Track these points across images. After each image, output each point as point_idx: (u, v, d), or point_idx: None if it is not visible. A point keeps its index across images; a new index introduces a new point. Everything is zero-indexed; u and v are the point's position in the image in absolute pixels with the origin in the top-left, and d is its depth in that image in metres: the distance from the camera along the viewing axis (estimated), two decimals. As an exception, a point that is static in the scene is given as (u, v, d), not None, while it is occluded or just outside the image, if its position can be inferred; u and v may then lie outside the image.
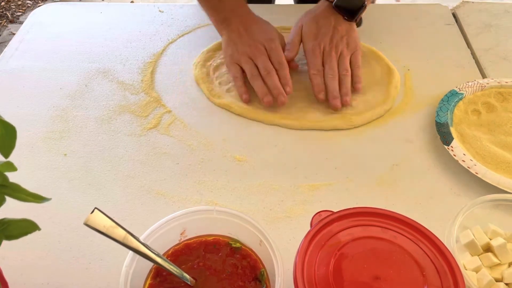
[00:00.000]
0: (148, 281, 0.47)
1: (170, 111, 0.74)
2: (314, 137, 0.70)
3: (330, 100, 0.72)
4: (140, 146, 0.69)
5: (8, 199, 0.38)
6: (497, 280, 0.49)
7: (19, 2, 2.78)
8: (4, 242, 0.39)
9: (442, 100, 0.72)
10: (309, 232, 0.44)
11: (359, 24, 0.82)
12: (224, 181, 0.64)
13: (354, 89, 0.74)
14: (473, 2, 0.97)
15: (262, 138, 0.70)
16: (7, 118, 0.36)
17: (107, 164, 0.66)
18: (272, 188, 0.63)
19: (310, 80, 0.74)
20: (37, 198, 0.38)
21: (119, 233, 0.40)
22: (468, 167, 0.62)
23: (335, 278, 0.41)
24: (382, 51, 0.84)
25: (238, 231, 0.50)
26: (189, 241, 0.50)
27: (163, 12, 0.95)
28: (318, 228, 0.45)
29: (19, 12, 2.72)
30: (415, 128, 0.71)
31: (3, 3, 2.74)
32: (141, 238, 0.45)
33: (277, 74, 0.73)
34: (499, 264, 0.51)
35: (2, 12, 2.69)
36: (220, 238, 0.50)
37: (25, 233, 0.39)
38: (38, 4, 2.73)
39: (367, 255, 0.43)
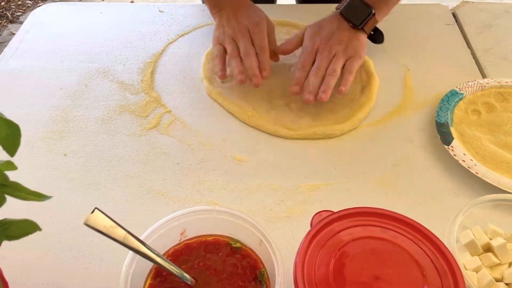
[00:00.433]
0: (148, 281, 0.47)
1: (170, 111, 0.74)
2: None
3: (304, 93, 0.70)
4: (140, 146, 0.69)
5: (9, 200, 0.38)
6: (497, 280, 0.49)
7: (19, 2, 2.78)
8: (4, 242, 0.39)
9: (442, 100, 0.72)
10: (309, 232, 0.44)
11: (377, 39, 0.79)
12: (224, 181, 0.64)
13: (337, 91, 0.71)
14: (473, 2, 0.97)
15: (262, 138, 0.70)
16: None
17: (107, 164, 0.66)
18: (272, 188, 0.63)
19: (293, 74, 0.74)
20: (38, 196, 0.38)
21: (119, 233, 0.40)
22: (468, 167, 0.62)
23: (335, 278, 0.41)
24: (382, 51, 0.84)
25: (238, 231, 0.50)
26: (189, 241, 0.50)
27: (163, 12, 0.95)
28: (318, 228, 0.45)
29: (19, 12, 2.72)
30: (415, 128, 0.71)
31: (3, 3, 2.74)
32: (141, 238, 0.45)
33: (258, 57, 0.73)
34: (499, 264, 0.51)
35: (2, 12, 2.69)
36: (220, 238, 0.50)
37: (26, 234, 0.39)
38: (38, 4, 2.73)
39: (367, 255, 0.43)
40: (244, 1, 0.81)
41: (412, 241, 0.44)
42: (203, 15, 0.93)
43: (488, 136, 0.67)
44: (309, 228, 0.45)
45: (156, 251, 0.44)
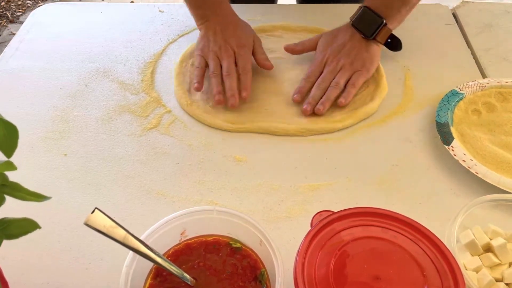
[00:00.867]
0: (148, 281, 0.47)
1: (170, 111, 0.74)
2: (313, 137, 0.70)
3: (304, 104, 0.72)
4: (140, 146, 0.69)
5: (8, 200, 0.38)
6: (497, 280, 0.49)
7: (19, 2, 2.78)
8: (4, 242, 0.39)
9: (443, 100, 0.72)
10: (309, 232, 0.44)
11: (395, 47, 0.80)
12: (224, 181, 0.64)
13: (337, 103, 0.72)
14: (473, 2, 0.97)
15: (262, 138, 0.70)
16: (7, 118, 0.36)
17: (107, 164, 0.66)
18: (272, 188, 0.63)
19: None
20: (37, 197, 0.38)
21: (119, 233, 0.40)
22: (469, 167, 0.62)
23: (335, 278, 0.41)
24: (382, 51, 0.83)
25: (238, 231, 0.50)
26: (189, 241, 0.50)
27: (163, 12, 0.95)
28: (318, 228, 0.44)
29: (19, 12, 2.72)
30: (415, 128, 0.71)
31: (3, 3, 2.74)
32: (141, 238, 0.45)
33: (239, 78, 0.74)
34: (499, 264, 0.51)
35: (2, 12, 2.69)
36: (220, 238, 0.50)
37: (26, 232, 0.39)
38: (38, 4, 2.73)
39: (367, 255, 0.43)
40: (231, 16, 0.81)
41: (412, 241, 0.44)
42: (203, 15, 0.93)
43: (488, 136, 0.67)
44: (309, 228, 0.45)
45: (156, 251, 0.44)
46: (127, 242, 0.41)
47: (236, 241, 0.50)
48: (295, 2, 1.18)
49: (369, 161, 0.66)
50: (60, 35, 0.89)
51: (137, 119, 0.73)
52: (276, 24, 0.89)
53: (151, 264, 0.48)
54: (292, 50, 0.80)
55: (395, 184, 0.63)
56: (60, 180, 0.64)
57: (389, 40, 0.78)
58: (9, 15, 2.67)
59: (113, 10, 0.96)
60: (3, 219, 0.39)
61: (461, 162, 0.63)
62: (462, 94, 0.73)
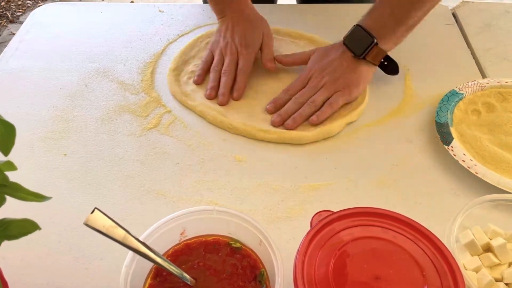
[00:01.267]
0: (148, 281, 0.47)
1: (170, 111, 0.74)
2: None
3: (274, 115, 0.71)
4: (140, 146, 0.69)
5: (8, 200, 0.38)
6: (497, 280, 0.49)
7: (19, 2, 2.78)
8: (4, 242, 0.39)
9: (442, 100, 0.72)
10: (309, 232, 0.44)
11: (390, 70, 0.76)
12: (224, 181, 0.64)
13: (309, 120, 0.70)
14: (473, 2, 0.97)
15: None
16: (7, 118, 0.36)
17: (107, 164, 0.66)
18: (272, 188, 0.63)
19: None
20: (38, 197, 0.38)
21: (119, 233, 0.40)
22: (468, 167, 0.62)
23: (335, 278, 0.41)
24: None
25: (238, 231, 0.50)
26: (189, 241, 0.50)
27: (163, 12, 0.95)
28: (318, 228, 0.45)
29: (19, 12, 2.72)
30: (415, 128, 0.71)
31: (3, 3, 2.74)
32: (141, 238, 0.45)
33: (236, 78, 0.75)
34: (499, 264, 0.51)
35: (2, 12, 2.69)
36: (220, 238, 0.50)
37: (26, 233, 0.39)
38: (38, 4, 2.73)
39: (367, 255, 0.43)
40: (247, 13, 0.81)
41: (412, 241, 0.44)
42: (203, 15, 0.93)
43: (488, 136, 0.67)
44: (309, 228, 0.45)
45: (156, 251, 0.44)
46: (126, 242, 0.41)
47: (236, 241, 0.50)
48: (295, 2, 1.18)
49: (369, 161, 0.66)
50: (60, 35, 0.89)
51: (137, 119, 0.73)
52: (281, 29, 0.88)
53: (151, 264, 0.48)
54: (280, 60, 0.78)
55: (395, 184, 0.63)
56: (60, 180, 0.64)
57: (385, 63, 0.75)
58: (9, 15, 2.67)
59: (113, 10, 0.96)
60: (3, 219, 0.39)
61: (461, 162, 0.63)
62: (462, 94, 0.73)
